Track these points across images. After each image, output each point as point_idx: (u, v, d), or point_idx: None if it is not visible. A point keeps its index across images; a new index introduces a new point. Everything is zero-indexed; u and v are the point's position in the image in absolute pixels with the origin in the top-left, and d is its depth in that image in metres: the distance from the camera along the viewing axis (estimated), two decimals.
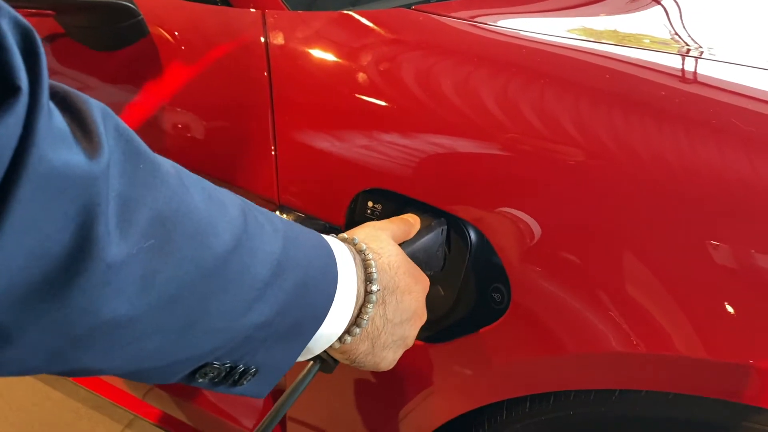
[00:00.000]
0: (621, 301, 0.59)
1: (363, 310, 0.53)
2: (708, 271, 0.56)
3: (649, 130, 0.60)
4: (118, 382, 1.19)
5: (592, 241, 0.60)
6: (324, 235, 0.53)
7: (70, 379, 1.27)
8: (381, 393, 0.78)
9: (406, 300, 0.58)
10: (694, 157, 0.58)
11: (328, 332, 0.51)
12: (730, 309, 0.55)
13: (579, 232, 0.61)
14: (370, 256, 0.54)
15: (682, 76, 0.71)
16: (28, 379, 1.44)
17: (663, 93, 0.64)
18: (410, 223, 0.65)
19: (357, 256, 0.54)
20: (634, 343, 0.59)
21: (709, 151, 0.59)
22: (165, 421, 1.19)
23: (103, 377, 1.20)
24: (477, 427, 0.76)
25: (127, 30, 0.78)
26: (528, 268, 0.62)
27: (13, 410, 1.37)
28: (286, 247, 0.45)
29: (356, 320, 0.53)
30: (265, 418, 0.58)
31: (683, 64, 0.77)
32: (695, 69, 0.75)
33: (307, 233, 0.50)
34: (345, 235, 0.57)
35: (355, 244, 0.55)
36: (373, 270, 0.53)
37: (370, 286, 0.53)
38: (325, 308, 0.49)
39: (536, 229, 0.62)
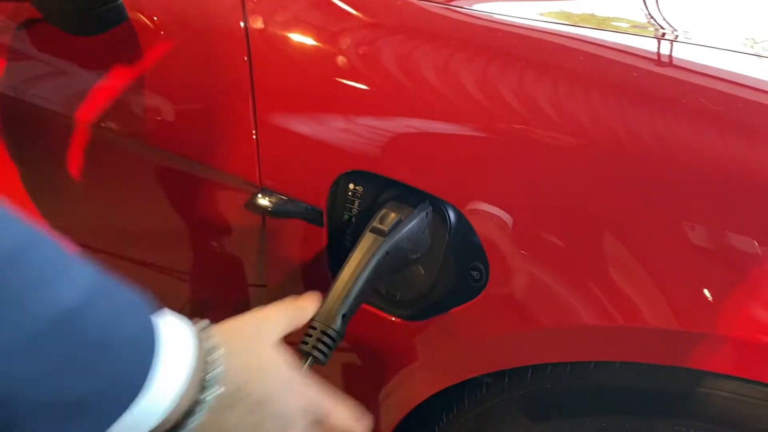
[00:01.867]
0: (595, 276, 0.61)
1: (189, 414, 0.45)
2: (680, 248, 0.58)
3: (625, 111, 0.62)
4: None
5: (568, 220, 0.62)
6: (171, 317, 0.46)
7: None
8: (361, 373, 0.80)
9: (263, 411, 0.50)
10: (667, 138, 0.60)
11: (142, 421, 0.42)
12: (700, 283, 0.57)
13: (555, 212, 0.63)
14: (217, 355, 0.47)
15: (657, 60, 0.73)
16: None
17: (635, 74, 0.66)
18: (303, 308, 0.61)
19: (200, 349, 0.47)
20: (609, 316, 0.61)
21: (683, 133, 0.60)
22: None
23: None
24: (457, 403, 0.78)
25: (106, 14, 0.78)
26: (505, 247, 0.64)
27: None
28: (89, 302, 0.39)
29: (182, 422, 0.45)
30: None
31: (659, 47, 0.79)
32: (670, 52, 0.77)
33: (131, 304, 0.43)
34: (205, 325, 0.50)
35: (207, 337, 0.48)
36: (215, 372, 0.46)
37: (205, 392, 0.46)
38: (130, 391, 0.41)
39: (514, 208, 0.64)
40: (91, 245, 0.92)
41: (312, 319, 0.61)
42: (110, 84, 0.81)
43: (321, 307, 0.62)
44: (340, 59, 0.71)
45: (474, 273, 0.69)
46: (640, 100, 0.63)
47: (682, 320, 0.58)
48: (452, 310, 0.70)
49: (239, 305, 0.88)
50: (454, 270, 0.71)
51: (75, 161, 0.87)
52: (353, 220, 0.75)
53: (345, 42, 0.72)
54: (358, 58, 0.70)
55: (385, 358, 0.77)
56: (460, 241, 0.70)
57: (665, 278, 0.59)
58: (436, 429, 0.82)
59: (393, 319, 0.74)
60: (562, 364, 0.68)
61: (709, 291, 0.57)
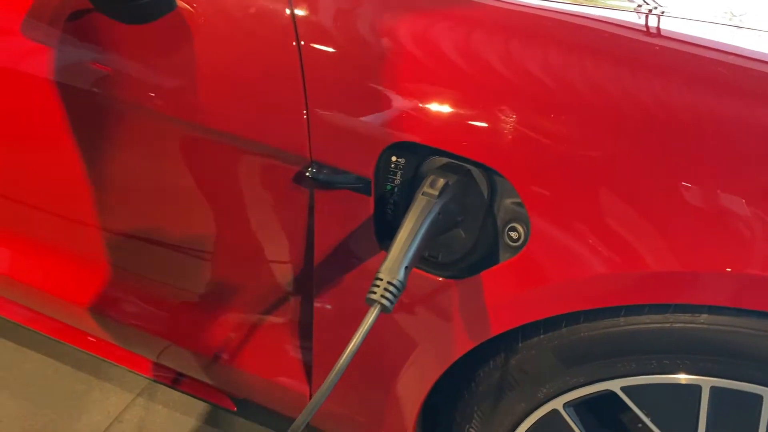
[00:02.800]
0: (624, 225, 0.68)
1: None
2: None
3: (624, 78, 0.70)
4: (129, 345, 1.23)
5: (598, 180, 0.69)
6: None
7: (79, 347, 1.31)
8: (406, 330, 0.86)
9: None
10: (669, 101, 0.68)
11: None
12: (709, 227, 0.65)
13: (589, 171, 0.70)
14: None
15: (647, 31, 0.81)
16: (34, 355, 1.47)
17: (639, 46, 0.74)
18: None
19: None
20: (637, 262, 0.68)
21: (680, 95, 0.68)
22: (183, 383, 1.25)
23: (113, 342, 1.24)
24: (494, 356, 0.85)
25: (157, 3, 0.83)
26: (548, 206, 0.71)
27: (24, 385, 1.41)
28: None
29: None
30: (333, 369, 0.66)
31: (647, 21, 0.87)
32: (658, 25, 0.85)
33: None
34: None
35: None
36: None
37: None
38: None
39: (555, 169, 0.71)
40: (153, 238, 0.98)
41: (378, 272, 0.68)
42: (160, 71, 0.86)
43: (384, 262, 0.68)
44: (384, 40, 0.77)
45: (512, 234, 0.76)
46: (637, 69, 0.71)
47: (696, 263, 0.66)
48: (492, 268, 0.77)
49: (292, 284, 0.94)
50: (493, 232, 0.78)
51: (131, 147, 0.93)
52: (395, 190, 0.81)
53: (388, 20, 0.78)
54: (397, 36, 0.77)
55: (427, 316, 0.84)
56: (499, 205, 0.77)
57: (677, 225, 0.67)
58: (473, 384, 0.89)
59: (435, 279, 0.81)
60: (593, 312, 0.75)
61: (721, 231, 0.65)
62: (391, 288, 0.67)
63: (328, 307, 0.91)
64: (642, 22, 0.88)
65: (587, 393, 0.80)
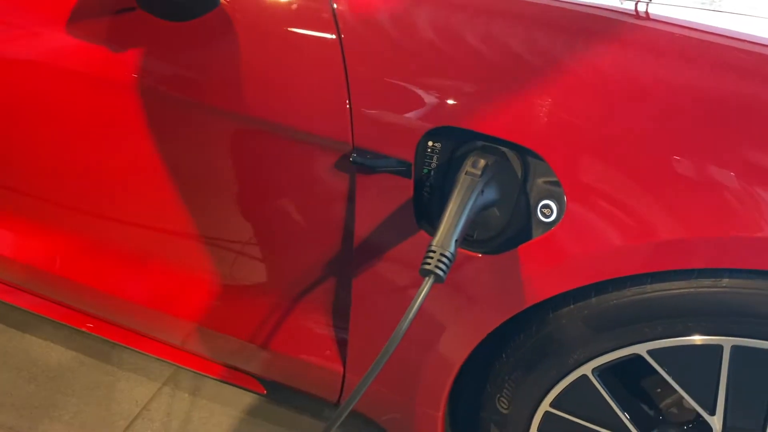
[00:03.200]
0: (651, 198, 0.75)
1: None
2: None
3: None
4: (152, 334, 1.27)
5: (631, 155, 0.75)
6: None
7: (104, 337, 1.34)
8: (445, 302, 0.92)
9: None
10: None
11: None
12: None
13: (613, 155, 0.76)
14: None
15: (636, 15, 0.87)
16: (58, 348, 1.50)
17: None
18: None
19: None
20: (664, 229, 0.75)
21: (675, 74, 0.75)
22: (211, 368, 1.29)
23: (137, 330, 1.28)
24: (526, 328, 0.91)
25: (200, 1, 0.88)
26: (581, 183, 0.77)
27: (49, 378, 1.44)
28: None
29: None
30: (391, 338, 0.71)
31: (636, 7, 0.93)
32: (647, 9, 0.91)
33: None
34: None
35: None
36: None
37: None
38: None
39: (588, 148, 0.77)
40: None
41: (430, 245, 0.73)
42: (207, 67, 0.91)
43: (436, 235, 0.74)
44: (422, 25, 0.83)
45: (545, 211, 0.82)
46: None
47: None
48: (526, 243, 0.83)
49: (330, 265, 0.99)
50: (526, 210, 0.84)
51: (187, 144, 0.97)
52: (432, 173, 0.87)
53: (424, 10, 0.84)
54: (433, 26, 0.83)
55: (464, 290, 0.89)
56: (532, 184, 0.82)
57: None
58: (504, 355, 0.95)
59: (472, 255, 0.87)
60: (621, 281, 0.82)
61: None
62: (444, 259, 0.72)
63: (367, 286, 0.96)
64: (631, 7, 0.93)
65: (615, 357, 0.86)
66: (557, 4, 0.86)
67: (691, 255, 0.75)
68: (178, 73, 0.93)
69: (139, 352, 1.32)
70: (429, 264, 0.72)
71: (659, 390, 0.94)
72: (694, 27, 0.85)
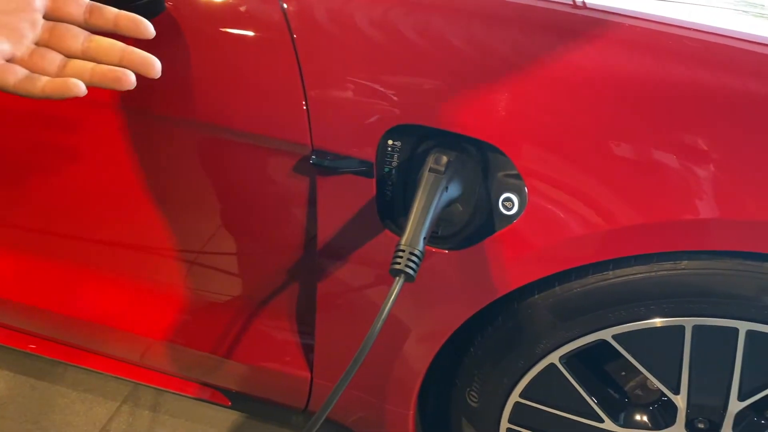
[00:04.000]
0: (608, 186, 0.76)
1: None
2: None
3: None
4: (108, 352, 1.23)
5: (590, 147, 0.77)
6: None
7: (54, 358, 1.28)
8: (411, 301, 0.92)
9: None
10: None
11: None
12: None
13: (570, 147, 0.77)
14: None
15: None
16: (6, 374, 1.44)
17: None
18: None
19: None
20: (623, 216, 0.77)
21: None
22: (171, 383, 1.25)
23: (90, 348, 1.23)
24: (492, 320, 0.92)
25: (146, 6, 0.85)
26: (541, 176, 0.78)
27: (1, 405, 1.37)
28: None
29: None
30: (364, 341, 0.70)
31: None
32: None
33: None
34: None
35: None
36: None
37: None
38: None
39: (548, 140, 0.78)
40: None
41: (398, 245, 0.73)
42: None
43: (404, 234, 0.74)
44: (377, 22, 0.82)
45: (507, 204, 0.83)
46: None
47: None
48: (490, 237, 0.84)
49: (293, 270, 0.97)
50: (488, 203, 0.84)
51: (142, 154, 0.94)
52: (393, 172, 0.86)
53: (378, 7, 0.83)
54: (386, 20, 0.82)
55: (430, 287, 0.89)
56: (493, 178, 0.83)
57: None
58: (472, 349, 0.95)
59: (436, 251, 0.87)
60: (583, 269, 0.83)
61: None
62: (413, 258, 0.72)
63: (332, 288, 0.95)
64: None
65: (582, 344, 0.88)
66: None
67: (650, 239, 0.77)
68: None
69: (93, 372, 1.28)
70: (399, 263, 0.72)
71: (624, 373, 0.97)
72: (640, 16, 0.87)
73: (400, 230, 0.87)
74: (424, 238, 0.74)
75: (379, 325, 0.71)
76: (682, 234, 0.76)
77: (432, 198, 0.76)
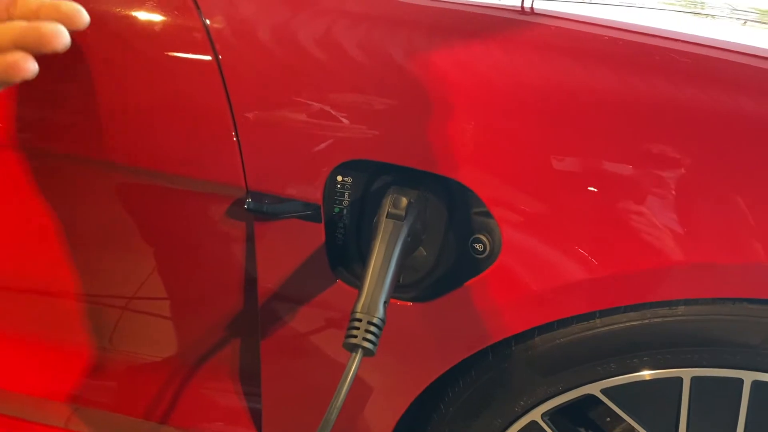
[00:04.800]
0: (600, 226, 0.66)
1: None
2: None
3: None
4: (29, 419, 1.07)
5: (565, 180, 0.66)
6: None
7: None
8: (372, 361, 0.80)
9: None
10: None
11: None
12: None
13: (554, 175, 0.66)
14: None
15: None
16: None
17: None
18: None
19: None
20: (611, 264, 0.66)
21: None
22: None
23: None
24: (463, 374, 0.80)
25: None
26: (518, 213, 0.67)
27: None
28: None
29: None
30: (321, 424, 0.58)
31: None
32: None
33: None
34: None
35: None
36: None
37: None
38: None
39: (520, 175, 0.66)
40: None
41: (354, 312, 0.60)
42: (68, 101, 0.73)
43: (359, 299, 0.61)
44: (315, 40, 0.69)
45: (477, 246, 0.72)
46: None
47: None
48: (461, 287, 0.72)
49: (233, 326, 0.84)
50: (456, 246, 0.73)
51: (39, 199, 0.79)
52: (345, 212, 0.74)
53: (316, 21, 0.70)
54: (341, 36, 0.70)
55: (393, 344, 0.77)
56: (460, 217, 0.72)
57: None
58: (442, 406, 0.84)
59: (399, 303, 0.75)
60: (568, 319, 0.72)
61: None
62: (372, 328, 0.59)
63: (278, 347, 0.82)
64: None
65: (566, 400, 0.77)
66: (458, 7, 0.75)
67: (648, 286, 0.67)
68: (34, 120, 0.75)
69: None
70: (355, 336, 0.59)
71: (616, 428, 0.87)
72: (593, 22, 0.76)
73: (355, 279, 0.75)
74: (385, 303, 0.61)
75: (334, 412, 0.59)
76: (684, 280, 0.66)
77: (392, 250, 0.64)
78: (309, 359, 0.82)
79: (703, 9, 1.05)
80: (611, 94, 0.66)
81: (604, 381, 0.75)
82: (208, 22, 0.70)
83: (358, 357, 0.59)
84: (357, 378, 0.79)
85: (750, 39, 0.86)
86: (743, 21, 0.98)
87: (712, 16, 0.99)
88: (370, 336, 0.59)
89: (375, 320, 0.60)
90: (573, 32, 0.70)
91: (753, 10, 1.06)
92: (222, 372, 0.91)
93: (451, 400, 0.83)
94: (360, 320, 0.60)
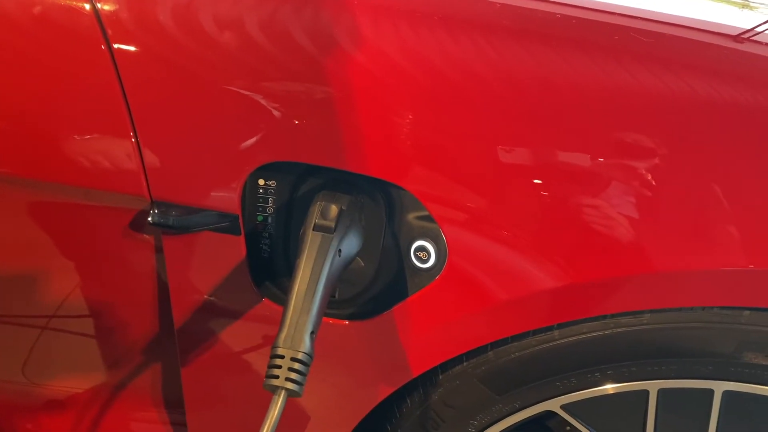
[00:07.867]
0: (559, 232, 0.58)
1: None
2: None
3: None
4: None
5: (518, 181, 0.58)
6: None
7: None
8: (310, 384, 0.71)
9: None
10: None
11: None
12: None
13: (491, 171, 0.58)
14: None
15: None
16: None
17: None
18: None
19: None
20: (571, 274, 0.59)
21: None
22: None
23: None
24: (411, 392, 0.72)
25: None
26: (464, 218, 0.59)
27: None
28: None
29: None
30: None
31: None
32: None
33: None
34: None
35: None
36: None
37: None
38: None
39: (464, 177, 0.58)
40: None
41: (275, 347, 0.51)
42: None
43: (281, 331, 0.52)
44: (228, 21, 0.59)
45: (420, 254, 0.63)
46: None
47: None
48: (403, 302, 0.64)
49: (149, 349, 0.74)
50: (396, 255, 0.64)
51: None
52: (270, 220, 0.65)
53: (228, 12, 0.60)
54: (257, 20, 0.59)
55: (330, 366, 0.69)
56: (400, 224, 0.63)
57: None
58: (390, 428, 0.76)
59: (335, 322, 0.66)
60: (525, 333, 0.65)
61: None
62: (296, 365, 0.50)
63: (198, 371, 0.72)
64: None
65: (524, 417, 0.70)
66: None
67: (608, 298, 0.60)
68: None
69: None
70: (276, 377, 0.50)
71: None
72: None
73: (282, 294, 0.66)
74: (312, 334, 0.52)
75: None
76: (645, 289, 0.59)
77: (319, 269, 0.54)
78: (235, 387, 0.73)
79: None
80: (560, 78, 0.57)
81: (564, 396, 0.68)
82: (98, 5, 0.59)
83: (281, 400, 0.50)
84: (290, 406, 0.71)
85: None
86: None
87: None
88: (294, 375, 0.50)
89: (300, 356, 0.50)
90: (511, 8, 0.61)
91: None
92: (144, 397, 0.81)
93: (399, 421, 0.75)
94: (282, 357, 0.50)
